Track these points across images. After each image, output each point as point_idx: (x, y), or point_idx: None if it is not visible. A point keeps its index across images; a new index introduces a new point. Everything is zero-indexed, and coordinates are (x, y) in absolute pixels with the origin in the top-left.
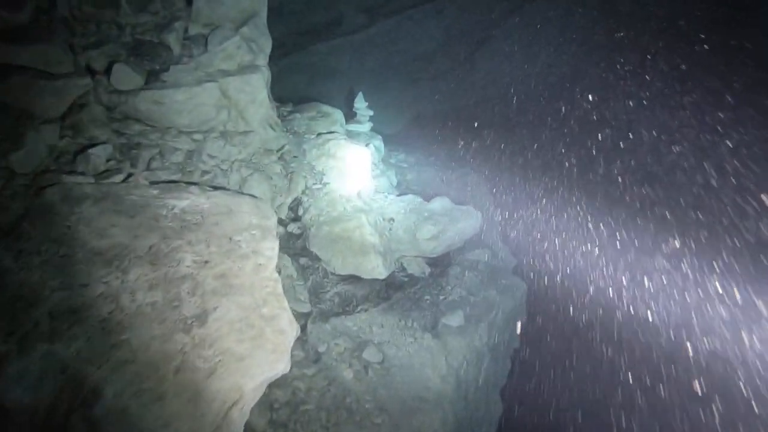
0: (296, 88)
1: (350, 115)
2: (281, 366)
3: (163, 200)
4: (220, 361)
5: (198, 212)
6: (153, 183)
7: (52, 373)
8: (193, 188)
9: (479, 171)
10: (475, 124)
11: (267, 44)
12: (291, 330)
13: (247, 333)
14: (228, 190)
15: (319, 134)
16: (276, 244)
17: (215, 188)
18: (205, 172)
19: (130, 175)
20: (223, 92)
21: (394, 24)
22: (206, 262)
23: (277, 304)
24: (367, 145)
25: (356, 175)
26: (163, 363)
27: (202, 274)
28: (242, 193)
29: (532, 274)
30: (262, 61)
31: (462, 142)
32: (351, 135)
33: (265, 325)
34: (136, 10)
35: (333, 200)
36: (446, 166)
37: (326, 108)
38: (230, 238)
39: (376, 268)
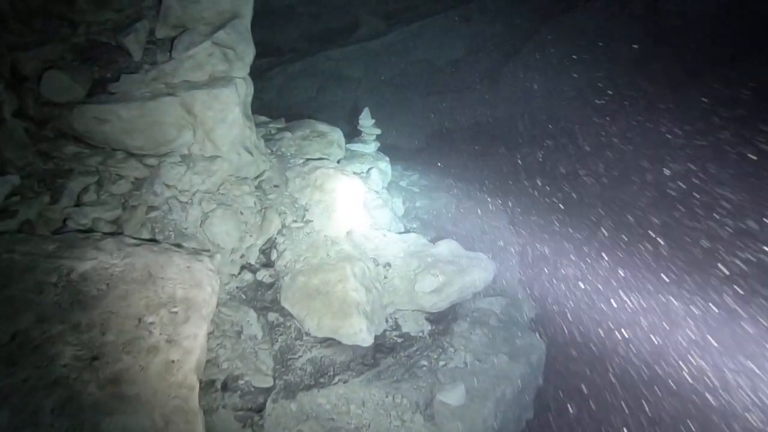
0: (304, 96)
1: (357, 132)
2: None
3: (59, 260)
4: None
5: (104, 279)
6: (57, 232)
7: None
8: (107, 242)
9: (500, 198)
10: (500, 144)
11: (248, 52)
12: None
13: None
14: (159, 243)
15: (307, 160)
16: (204, 329)
17: (141, 242)
18: (153, 208)
19: (28, 221)
20: (186, 108)
21: (414, 31)
22: (94, 358)
23: (185, 427)
24: (370, 170)
25: (346, 212)
26: None
27: (82, 380)
28: (176, 248)
29: (555, 327)
30: (241, 72)
31: (483, 164)
32: (354, 156)
33: None
34: (96, 5)
35: (315, 243)
36: (463, 192)
37: (322, 127)
38: (140, 320)
39: (359, 334)
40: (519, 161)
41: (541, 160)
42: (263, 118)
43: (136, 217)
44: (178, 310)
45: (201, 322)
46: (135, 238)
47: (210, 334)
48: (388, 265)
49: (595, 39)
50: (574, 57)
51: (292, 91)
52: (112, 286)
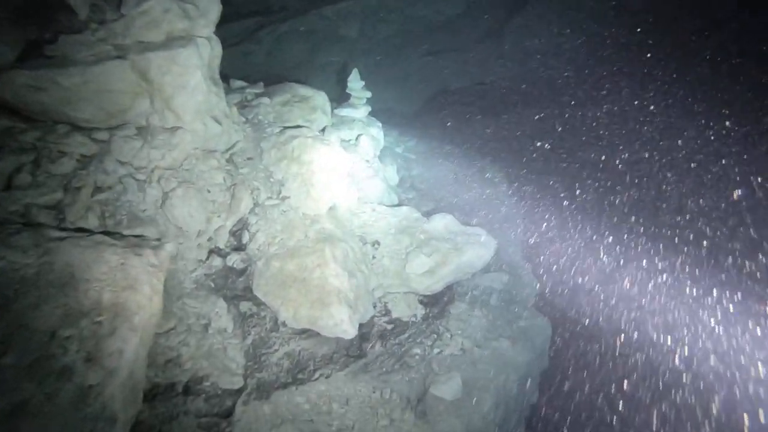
0: (296, 59)
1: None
2: None
3: None
4: None
5: (11, 284)
6: None
7: None
8: (21, 236)
9: (502, 166)
10: (503, 107)
11: (212, 7)
12: None
13: None
14: (90, 235)
15: (284, 128)
16: (133, 343)
17: (69, 234)
18: (101, 189)
19: None
20: (140, 73)
21: None
22: None
23: None
24: (359, 137)
25: (327, 186)
26: None
27: None
28: (112, 240)
29: (561, 305)
30: (204, 30)
31: (485, 128)
32: (343, 122)
33: None
34: None
35: (291, 222)
36: (463, 158)
37: (304, 90)
38: (53, 334)
39: (340, 325)
40: (524, 125)
41: (547, 124)
42: (240, 83)
43: (80, 200)
44: (103, 320)
45: (130, 334)
46: (60, 230)
47: (171, 330)
48: (377, 243)
49: None
50: (582, 13)
51: (282, 54)
52: (22, 292)
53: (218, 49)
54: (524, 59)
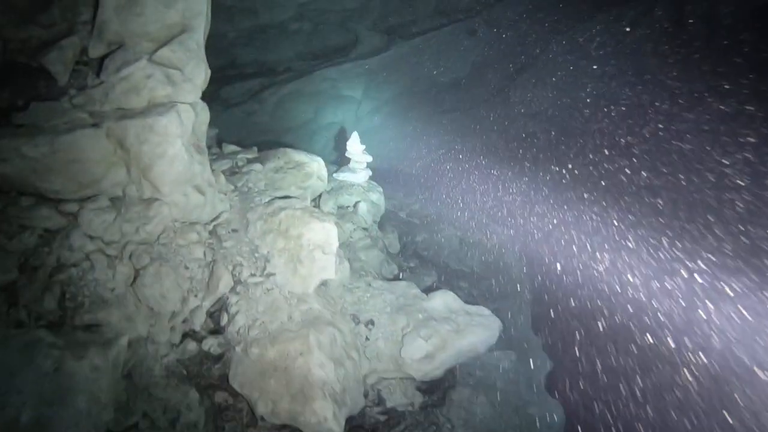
0: (300, 119)
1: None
2: None
3: None
4: None
5: None
6: None
7: None
8: None
9: (514, 229)
10: (512, 165)
11: (198, 72)
12: None
13: None
14: (33, 329)
15: (273, 199)
16: None
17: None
18: (61, 268)
19: None
20: (117, 142)
21: (417, 45)
22: None
23: None
24: (357, 204)
25: (316, 263)
26: None
27: None
28: (55, 336)
29: (574, 386)
30: (189, 95)
31: (496, 189)
32: (342, 188)
33: None
34: (16, 19)
35: (275, 302)
36: (471, 222)
37: (299, 156)
38: None
39: (323, 423)
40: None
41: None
42: (233, 148)
43: (37, 280)
44: None
45: None
46: None
47: (132, 428)
48: (371, 323)
49: (609, 51)
50: (588, 71)
51: (285, 114)
52: None
53: (205, 115)
54: (532, 118)
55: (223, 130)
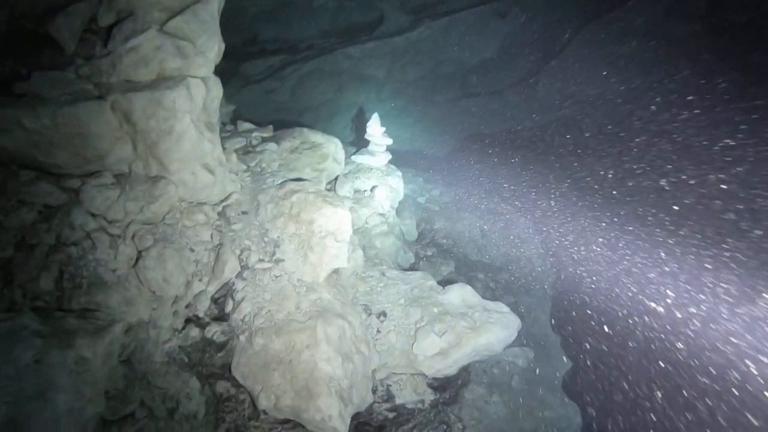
0: (321, 98)
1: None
2: None
3: None
4: None
5: None
6: None
7: None
8: None
9: (534, 219)
10: (539, 154)
11: (211, 45)
12: None
13: None
14: (19, 314)
15: (286, 180)
16: None
17: None
18: (61, 246)
19: None
20: (123, 116)
21: (444, 26)
22: None
23: None
24: (374, 188)
25: (327, 251)
26: None
27: None
28: (42, 323)
29: (594, 389)
30: (201, 69)
31: (519, 177)
32: (360, 171)
33: None
34: None
35: (283, 290)
36: (493, 209)
37: (315, 136)
38: None
39: (327, 421)
40: (561, 173)
41: (587, 173)
42: (247, 125)
43: (34, 259)
44: None
45: None
46: None
47: (128, 417)
48: (383, 315)
49: (645, 38)
50: (622, 58)
51: (306, 93)
52: None
53: (217, 91)
54: (559, 105)
55: (241, 108)
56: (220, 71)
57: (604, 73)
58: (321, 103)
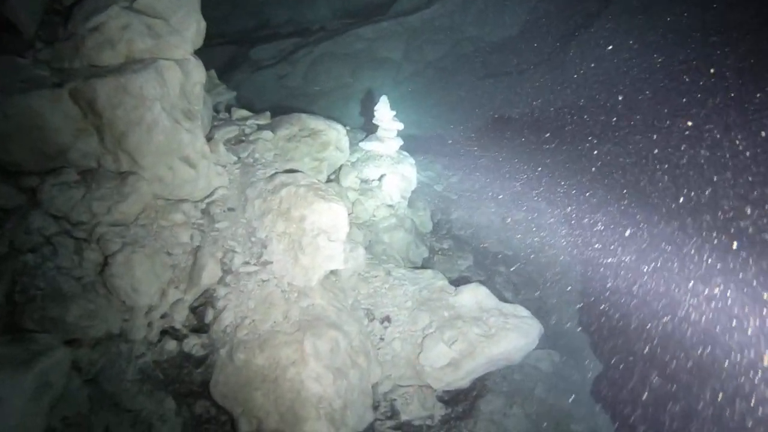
0: (335, 82)
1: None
2: None
3: None
4: None
5: None
6: None
7: None
8: None
9: (562, 207)
10: (566, 136)
11: (188, 22)
12: None
13: None
14: None
15: (276, 173)
16: None
17: None
18: (16, 253)
19: None
20: (88, 105)
21: (461, 2)
22: None
23: None
24: (382, 177)
25: (320, 252)
26: None
27: None
28: None
29: (629, 398)
30: (177, 50)
31: (545, 161)
32: (368, 159)
33: None
34: None
35: (269, 297)
36: (517, 197)
37: (314, 122)
38: None
39: None
40: (591, 157)
41: (620, 157)
42: (243, 113)
43: None
44: None
45: None
46: None
47: None
48: (387, 320)
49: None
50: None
51: (320, 77)
52: None
53: (198, 75)
54: (591, 83)
55: (252, 94)
56: (231, 58)
57: (634, 50)
58: (335, 87)
